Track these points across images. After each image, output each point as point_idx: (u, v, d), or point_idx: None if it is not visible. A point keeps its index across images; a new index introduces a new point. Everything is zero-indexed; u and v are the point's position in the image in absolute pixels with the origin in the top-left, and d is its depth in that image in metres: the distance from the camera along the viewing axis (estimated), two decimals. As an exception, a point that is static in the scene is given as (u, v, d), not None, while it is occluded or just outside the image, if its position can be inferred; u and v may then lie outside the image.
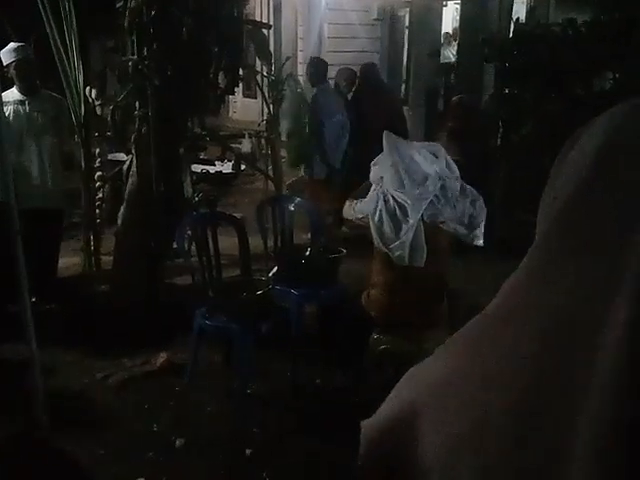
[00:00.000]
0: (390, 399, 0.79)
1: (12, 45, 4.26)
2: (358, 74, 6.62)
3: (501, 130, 7.06)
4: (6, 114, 4.25)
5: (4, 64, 4.21)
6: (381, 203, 3.24)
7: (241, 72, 5.13)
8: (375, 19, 11.25)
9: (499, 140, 7.08)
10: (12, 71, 4.25)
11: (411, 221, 3.16)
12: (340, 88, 6.50)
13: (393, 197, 3.25)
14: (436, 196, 3.20)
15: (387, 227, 3.18)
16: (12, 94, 4.28)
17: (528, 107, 6.70)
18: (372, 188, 3.38)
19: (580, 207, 0.58)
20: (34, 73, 4.44)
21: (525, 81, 6.72)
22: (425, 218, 3.20)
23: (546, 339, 0.57)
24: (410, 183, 3.24)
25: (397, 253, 3.16)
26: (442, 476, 0.63)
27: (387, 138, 3.36)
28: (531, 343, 0.58)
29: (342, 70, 6.70)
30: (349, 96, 6.60)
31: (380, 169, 3.35)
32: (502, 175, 6.74)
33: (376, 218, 3.21)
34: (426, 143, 3.41)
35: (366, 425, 0.80)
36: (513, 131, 6.88)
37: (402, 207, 3.21)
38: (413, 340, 3.28)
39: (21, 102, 4.29)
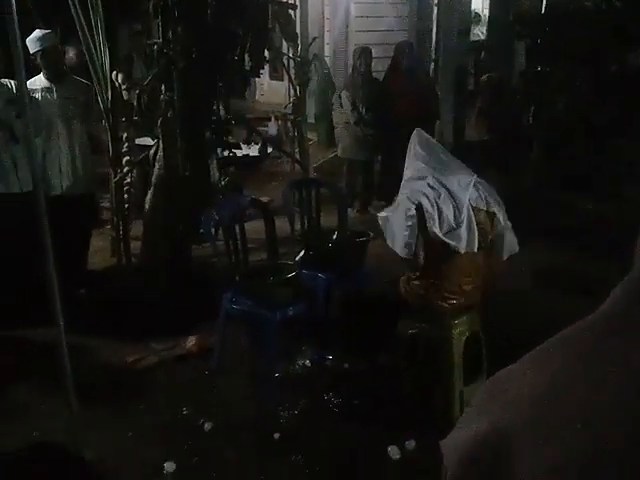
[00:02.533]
0: (472, 416, 0.73)
1: (37, 33, 4.25)
2: (393, 52, 6.52)
3: (532, 109, 6.91)
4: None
5: (30, 52, 4.20)
6: (429, 191, 3.10)
7: (267, 54, 5.08)
8: (403, -3, 11.06)
9: (530, 119, 6.93)
10: (39, 59, 4.25)
11: (465, 205, 3.06)
12: (357, 67, 6.41)
13: (439, 182, 3.12)
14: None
15: (447, 214, 3.03)
16: (39, 81, 4.29)
17: (560, 85, 6.54)
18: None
19: None
20: (61, 60, 4.45)
21: (557, 58, 6.55)
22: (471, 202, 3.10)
23: None
24: (442, 170, 3.19)
25: (455, 240, 3.03)
26: None
27: (418, 134, 3.30)
28: None
29: (357, 49, 6.62)
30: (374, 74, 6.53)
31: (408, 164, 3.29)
32: (533, 154, 6.61)
33: (430, 206, 3.05)
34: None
35: (448, 446, 0.74)
36: (545, 109, 6.72)
37: (451, 192, 3.10)
38: (442, 324, 3.23)
39: (48, 89, 4.31)
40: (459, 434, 0.75)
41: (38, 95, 4.23)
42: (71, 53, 5.75)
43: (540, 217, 5.71)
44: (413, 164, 3.25)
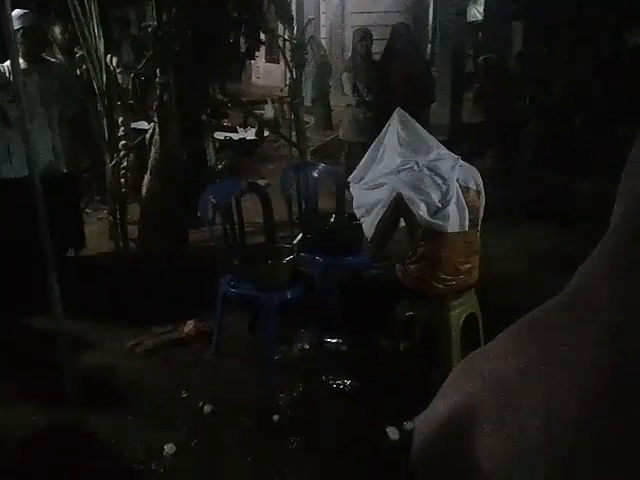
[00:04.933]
0: (445, 393, 0.76)
1: (17, 12, 4.14)
2: (389, 34, 6.48)
3: (530, 90, 6.88)
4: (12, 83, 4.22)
5: None
6: (410, 176, 3.15)
7: (262, 36, 5.05)
8: (399, -22, 10.96)
9: (528, 100, 6.91)
10: (17, 39, 4.15)
11: (451, 185, 3.10)
12: (357, 49, 6.37)
13: (424, 165, 3.18)
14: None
15: (433, 195, 3.07)
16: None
17: (558, 65, 6.51)
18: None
19: None
20: (40, 41, 4.37)
21: (554, 38, 6.52)
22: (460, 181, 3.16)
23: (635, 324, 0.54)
24: (426, 153, 3.25)
25: (443, 219, 3.07)
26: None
27: (399, 114, 3.38)
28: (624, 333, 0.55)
29: (357, 31, 6.57)
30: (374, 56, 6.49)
31: (388, 145, 3.35)
32: (531, 136, 6.59)
33: (411, 192, 3.09)
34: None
35: (420, 422, 0.78)
36: (543, 90, 6.70)
37: (436, 172, 3.14)
38: (440, 306, 3.25)
39: (26, 71, 4.22)
40: (430, 412, 0.79)
41: None
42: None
43: (537, 199, 5.72)
44: (396, 148, 3.31)
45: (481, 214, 3.34)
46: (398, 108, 3.44)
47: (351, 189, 3.57)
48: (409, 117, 3.40)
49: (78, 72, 5.37)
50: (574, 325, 0.57)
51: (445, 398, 0.70)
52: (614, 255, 0.60)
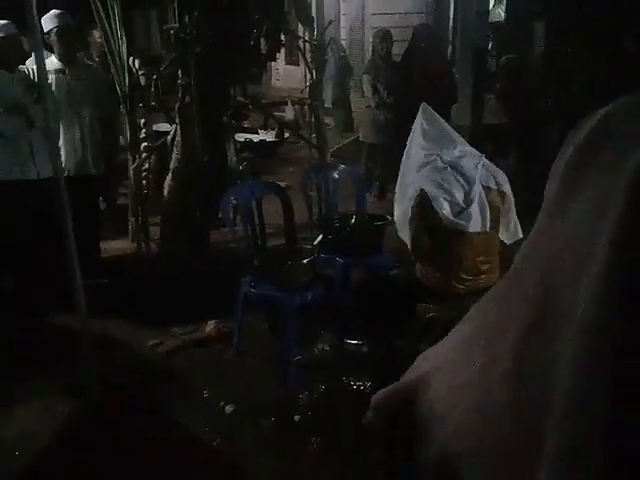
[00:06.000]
0: (408, 372, 0.90)
1: (53, 12, 4.23)
2: (411, 35, 6.46)
3: (552, 90, 6.81)
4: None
5: (45, 30, 4.17)
6: (436, 174, 3.15)
7: (283, 38, 5.05)
8: (420, -21, 10.91)
9: (550, 101, 6.83)
10: (52, 37, 4.22)
11: (475, 183, 3.09)
12: (377, 51, 6.36)
13: (448, 161, 3.18)
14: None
15: (457, 194, 3.06)
16: (51, 63, 4.24)
17: (580, 65, 6.44)
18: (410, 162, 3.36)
19: (576, 176, 0.72)
20: (75, 41, 4.43)
21: (576, 38, 6.44)
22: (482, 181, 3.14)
23: (551, 261, 0.69)
24: (450, 148, 3.25)
25: (466, 219, 3.05)
26: (448, 418, 0.75)
27: (424, 109, 3.39)
28: (536, 275, 0.70)
29: (377, 32, 6.56)
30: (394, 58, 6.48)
31: (414, 143, 3.36)
32: (554, 137, 6.52)
33: (435, 189, 3.08)
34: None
35: (375, 395, 0.93)
36: (565, 91, 6.63)
37: (460, 171, 3.13)
38: (461, 308, 3.22)
39: (61, 71, 4.27)
40: (388, 386, 0.93)
41: (51, 77, 4.21)
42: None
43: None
44: (420, 143, 3.32)
45: (513, 217, 3.29)
46: (423, 103, 3.42)
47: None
48: (433, 112, 3.39)
49: None
50: (511, 282, 0.72)
51: (407, 375, 0.88)
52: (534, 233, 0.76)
